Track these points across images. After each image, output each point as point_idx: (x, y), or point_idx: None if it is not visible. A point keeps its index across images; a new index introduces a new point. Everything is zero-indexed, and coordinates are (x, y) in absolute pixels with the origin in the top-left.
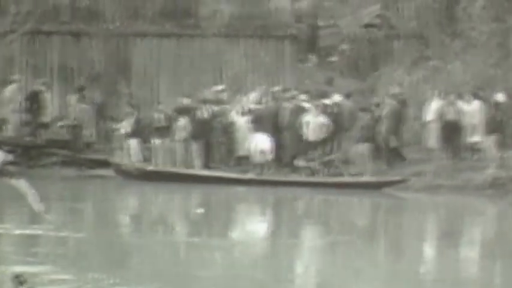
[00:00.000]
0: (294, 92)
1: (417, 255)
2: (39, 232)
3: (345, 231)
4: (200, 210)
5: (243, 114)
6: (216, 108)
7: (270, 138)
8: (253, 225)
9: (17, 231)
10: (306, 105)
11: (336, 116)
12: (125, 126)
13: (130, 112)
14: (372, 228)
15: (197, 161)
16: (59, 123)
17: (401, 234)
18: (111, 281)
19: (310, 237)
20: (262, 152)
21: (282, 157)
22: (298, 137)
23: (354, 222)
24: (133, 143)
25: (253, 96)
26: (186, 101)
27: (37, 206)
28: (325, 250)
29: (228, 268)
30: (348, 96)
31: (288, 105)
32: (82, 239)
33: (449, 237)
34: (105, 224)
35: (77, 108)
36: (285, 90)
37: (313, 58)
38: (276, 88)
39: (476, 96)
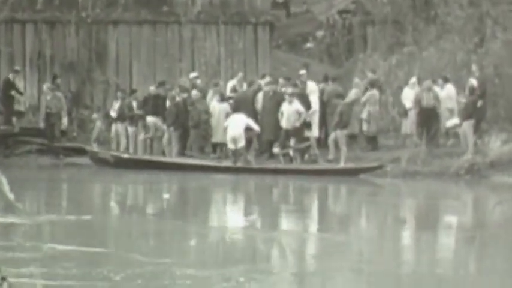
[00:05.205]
0: (268, 78)
1: (395, 241)
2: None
3: (322, 218)
4: (166, 196)
5: (221, 101)
6: (191, 94)
7: (247, 120)
8: (226, 213)
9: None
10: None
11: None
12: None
13: (120, 96)
14: (349, 215)
15: (173, 148)
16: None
17: (379, 220)
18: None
19: (286, 225)
20: (233, 139)
21: (259, 144)
22: (276, 124)
23: (330, 208)
24: (119, 128)
25: (230, 83)
26: (153, 89)
27: (10, 194)
28: (302, 238)
29: (200, 256)
30: (324, 80)
31: (265, 91)
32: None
33: (427, 222)
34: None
35: (51, 96)
36: (262, 77)
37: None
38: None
39: (446, 80)
